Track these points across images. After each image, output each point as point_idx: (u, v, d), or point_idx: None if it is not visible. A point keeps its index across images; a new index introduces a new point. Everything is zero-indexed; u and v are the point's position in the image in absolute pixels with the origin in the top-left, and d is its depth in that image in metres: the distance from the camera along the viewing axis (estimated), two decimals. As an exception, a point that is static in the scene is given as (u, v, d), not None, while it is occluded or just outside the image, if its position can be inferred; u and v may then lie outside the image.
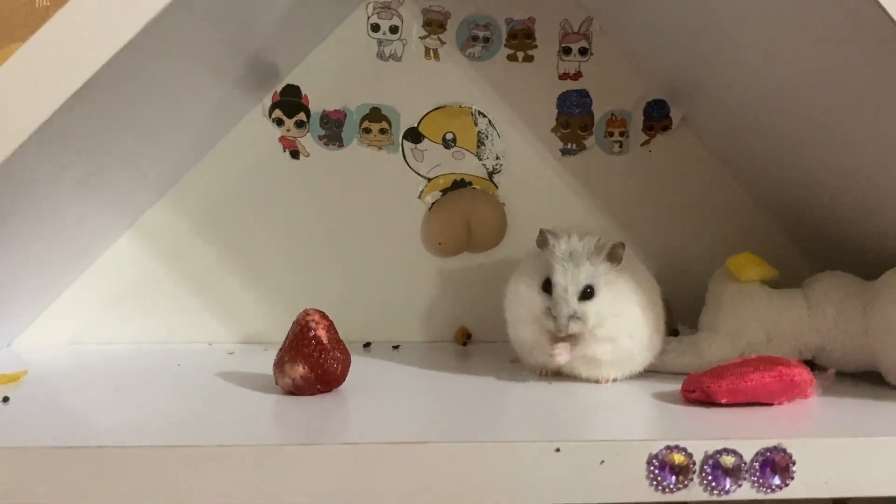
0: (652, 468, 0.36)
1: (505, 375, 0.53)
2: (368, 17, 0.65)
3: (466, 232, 0.66)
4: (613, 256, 0.50)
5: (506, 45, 0.67)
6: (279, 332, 0.49)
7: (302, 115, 0.65)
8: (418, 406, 0.46)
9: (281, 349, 0.46)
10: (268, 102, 0.65)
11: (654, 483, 0.36)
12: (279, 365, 0.46)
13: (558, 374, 0.53)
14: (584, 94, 0.68)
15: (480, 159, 0.67)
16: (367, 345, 0.65)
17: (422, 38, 0.66)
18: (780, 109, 0.54)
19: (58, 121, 0.39)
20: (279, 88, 0.65)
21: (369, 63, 0.66)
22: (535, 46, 0.67)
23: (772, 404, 0.45)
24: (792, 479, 0.37)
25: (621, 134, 0.68)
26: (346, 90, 0.66)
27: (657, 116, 0.68)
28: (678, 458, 0.37)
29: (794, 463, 0.37)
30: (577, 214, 0.68)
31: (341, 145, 0.66)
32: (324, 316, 0.47)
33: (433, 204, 0.67)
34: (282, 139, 0.66)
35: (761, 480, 0.37)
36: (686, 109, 0.68)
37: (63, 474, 0.34)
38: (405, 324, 0.67)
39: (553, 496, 0.36)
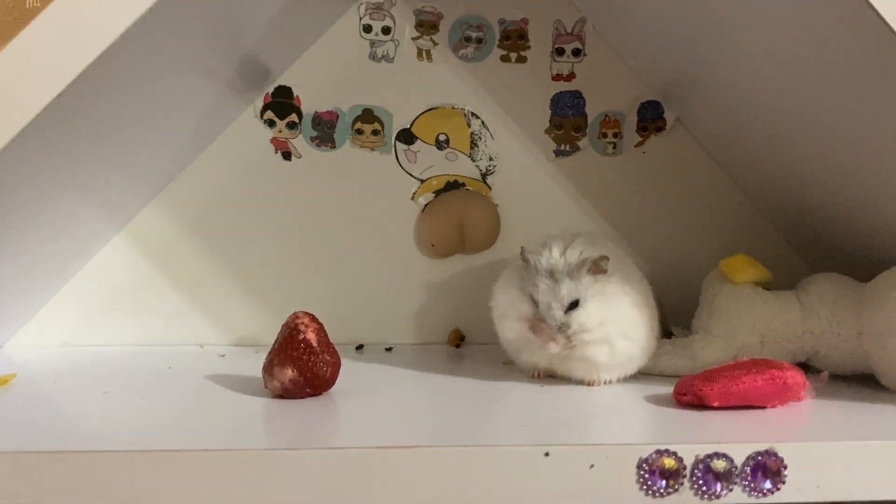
0: (642, 472, 0.36)
1: (497, 378, 0.53)
2: (361, 18, 0.65)
3: (460, 233, 0.66)
4: (597, 270, 0.50)
5: (499, 46, 0.66)
6: (271, 335, 0.49)
7: (294, 117, 0.65)
8: (409, 409, 0.45)
9: (270, 352, 0.46)
10: (259, 104, 0.65)
11: (645, 488, 0.36)
12: (268, 368, 0.45)
13: (551, 377, 0.53)
14: (577, 96, 0.67)
15: (473, 160, 0.67)
16: (359, 347, 0.65)
17: (414, 39, 0.66)
18: (775, 111, 0.54)
19: (44, 122, 0.39)
20: (271, 89, 0.65)
21: (362, 64, 0.65)
22: (528, 47, 0.67)
23: (765, 407, 0.45)
24: (783, 483, 0.37)
25: (615, 135, 0.68)
26: (338, 91, 0.65)
27: (651, 117, 0.68)
28: (669, 462, 0.36)
29: (785, 467, 0.37)
30: (571, 216, 0.67)
31: (333, 146, 0.66)
32: (313, 319, 0.47)
33: (426, 205, 0.67)
34: (273, 140, 0.65)
35: (752, 485, 0.37)
36: (680, 110, 0.67)
37: (52, 478, 0.34)
38: (398, 326, 0.67)
39: (542, 501, 0.36)
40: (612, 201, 0.68)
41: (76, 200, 0.53)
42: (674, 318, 0.62)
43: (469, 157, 0.67)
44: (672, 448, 0.36)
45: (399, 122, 0.66)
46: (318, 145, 0.66)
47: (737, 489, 0.37)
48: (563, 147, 0.68)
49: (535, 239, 0.53)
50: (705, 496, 0.36)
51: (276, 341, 0.46)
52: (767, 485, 0.37)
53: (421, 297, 0.67)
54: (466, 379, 0.53)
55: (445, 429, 0.41)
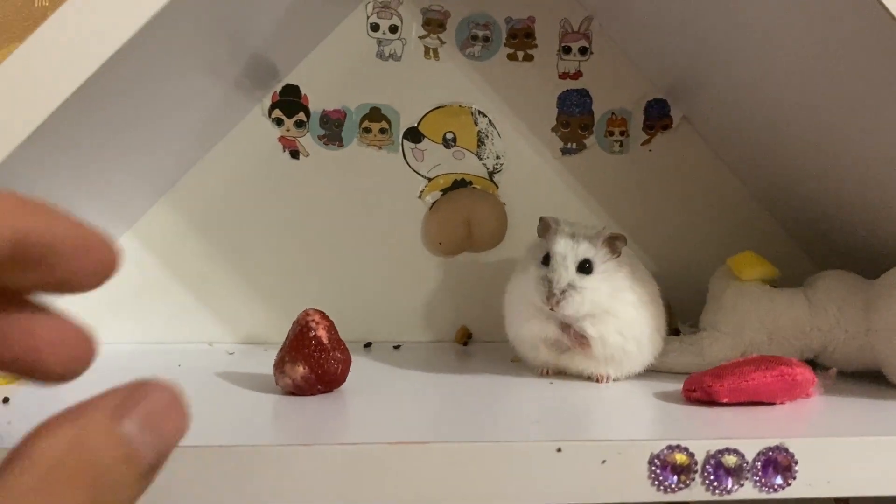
0: (654, 468, 0.36)
1: (506, 375, 0.53)
2: (368, 17, 0.65)
3: (467, 231, 0.66)
4: (612, 245, 0.50)
5: (505, 45, 0.67)
6: (279, 333, 0.49)
7: (301, 115, 0.65)
8: (419, 406, 0.45)
9: (281, 349, 0.46)
10: (267, 102, 0.65)
11: (656, 483, 0.36)
12: (279, 365, 0.46)
13: (560, 374, 0.53)
14: (584, 94, 0.68)
15: (481, 159, 0.67)
16: (367, 345, 0.65)
17: (421, 37, 0.66)
18: (781, 108, 0.54)
19: (55, 122, 0.39)
20: (279, 88, 0.65)
21: (369, 63, 0.66)
22: (535, 46, 0.67)
23: (773, 404, 0.45)
24: (794, 478, 0.37)
25: (622, 133, 0.68)
26: (345, 90, 0.66)
27: (657, 115, 0.68)
28: (680, 457, 0.36)
29: (796, 462, 0.37)
30: (578, 214, 0.67)
31: (341, 145, 0.66)
32: (324, 316, 0.47)
33: (433, 204, 0.67)
34: (281, 139, 0.65)
35: (763, 480, 0.37)
36: (686, 109, 0.67)
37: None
38: (406, 324, 0.67)
39: (554, 496, 0.36)
40: (619, 199, 0.68)
41: (83, 201, 0.54)
42: (681, 316, 0.63)
43: (476, 155, 0.67)
44: (683, 444, 0.37)
45: (406, 121, 0.66)
46: (325, 144, 0.66)
47: (748, 484, 0.37)
48: (569, 145, 0.68)
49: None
50: (716, 491, 0.37)
51: (287, 338, 0.46)
52: (778, 480, 0.37)
53: (428, 295, 0.68)
54: (475, 376, 0.53)
55: (456, 425, 0.41)
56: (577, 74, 0.67)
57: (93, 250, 0.18)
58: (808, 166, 0.57)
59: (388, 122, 0.66)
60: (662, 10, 0.56)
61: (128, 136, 0.51)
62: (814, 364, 0.52)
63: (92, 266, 0.18)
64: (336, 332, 0.47)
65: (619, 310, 0.50)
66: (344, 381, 0.47)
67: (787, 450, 0.37)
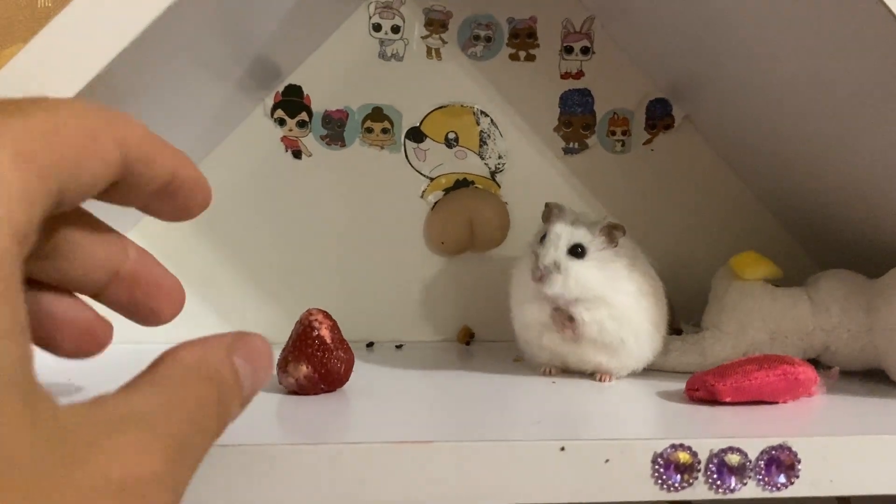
0: (657, 467, 0.36)
1: (508, 374, 0.53)
2: (370, 17, 0.65)
3: (469, 231, 0.66)
4: (610, 234, 0.50)
5: (507, 45, 0.67)
6: (282, 333, 0.49)
7: (304, 115, 0.65)
8: (422, 405, 0.46)
9: (284, 349, 0.46)
10: (269, 102, 0.65)
11: (660, 482, 0.36)
12: (282, 365, 0.46)
13: (562, 373, 0.53)
14: (586, 94, 0.68)
15: (483, 159, 0.67)
16: (369, 345, 0.65)
17: (423, 37, 0.66)
18: (784, 108, 0.54)
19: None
20: (281, 88, 0.65)
21: (371, 63, 0.66)
22: (537, 46, 0.67)
23: (776, 403, 0.45)
24: (797, 477, 0.37)
25: (624, 133, 0.68)
26: (347, 90, 0.66)
27: (660, 115, 0.68)
28: (683, 456, 0.36)
29: (799, 461, 0.37)
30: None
31: (343, 145, 0.66)
32: (327, 315, 0.47)
33: (435, 203, 0.67)
34: (284, 139, 0.66)
35: (767, 479, 0.37)
36: (689, 108, 0.68)
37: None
38: (408, 323, 0.67)
39: (558, 495, 0.36)
40: (621, 199, 0.69)
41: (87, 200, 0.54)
42: (683, 315, 0.63)
43: (478, 155, 0.67)
44: (686, 443, 0.37)
45: (408, 121, 0.66)
46: (328, 144, 0.66)
47: (751, 483, 0.37)
48: (571, 145, 0.68)
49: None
50: (720, 490, 0.37)
51: (289, 338, 0.47)
52: (782, 479, 0.37)
53: (430, 295, 0.68)
54: (478, 376, 0.53)
55: (459, 424, 0.41)
56: (579, 74, 0.67)
57: (198, 189, 0.21)
58: (810, 165, 0.57)
59: (391, 122, 0.66)
60: (664, 10, 0.56)
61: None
62: (816, 363, 0.52)
63: (188, 208, 0.22)
64: (339, 331, 0.47)
65: (613, 298, 0.49)
66: (347, 380, 0.47)
67: (790, 448, 0.37)
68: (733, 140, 0.66)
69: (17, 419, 0.14)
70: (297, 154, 0.66)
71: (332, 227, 0.66)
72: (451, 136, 0.67)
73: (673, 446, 0.36)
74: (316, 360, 0.45)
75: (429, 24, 0.66)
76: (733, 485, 0.37)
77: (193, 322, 0.65)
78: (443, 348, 0.65)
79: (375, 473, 0.35)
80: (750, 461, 0.37)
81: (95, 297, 0.22)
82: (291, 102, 0.65)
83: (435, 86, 0.66)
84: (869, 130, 0.48)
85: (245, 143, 0.65)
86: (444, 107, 0.67)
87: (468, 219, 0.66)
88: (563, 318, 0.50)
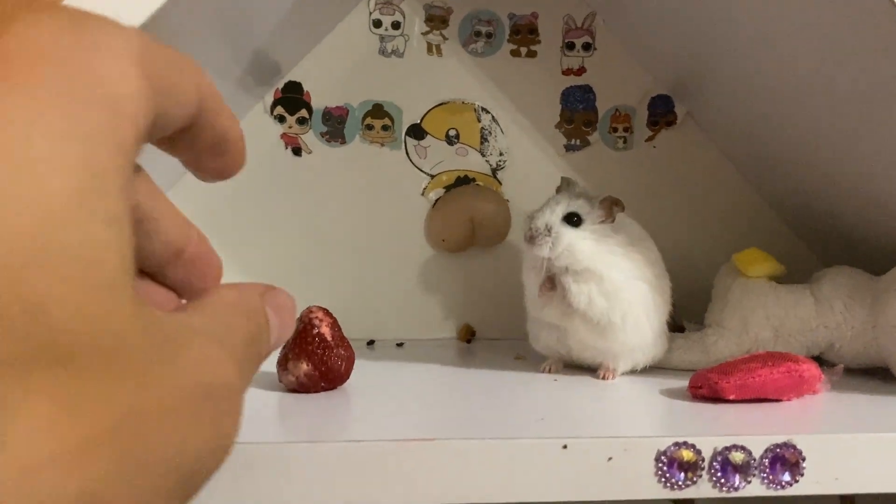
0: (660, 465, 0.36)
1: (510, 372, 0.53)
2: (370, 13, 0.65)
3: (470, 229, 0.65)
4: (608, 208, 0.50)
5: (509, 41, 0.66)
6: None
7: (304, 112, 0.65)
8: (423, 403, 0.45)
9: (284, 347, 0.46)
10: (269, 99, 0.65)
11: (663, 480, 0.36)
12: (282, 363, 0.45)
13: (565, 370, 0.53)
14: (587, 90, 0.67)
15: (484, 156, 0.67)
16: (370, 343, 0.65)
17: (424, 33, 0.66)
18: (786, 104, 0.53)
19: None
20: (281, 85, 0.65)
21: (371, 59, 0.65)
22: (539, 42, 0.67)
23: (780, 400, 0.44)
24: (802, 475, 0.37)
25: (625, 129, 0.68)
26: (348, 87, 0.65)
27: (661, 112, 0.68)
28: (687, 454, 0.36)
29: (803, 459, 0.37)
30: (582, 211, 0.67)
31: (344, 142, 0.66)
32: (327, 313, 0.47)
33: (437, 201, 0.66)
34: (284, 136, 0.65)
35: (771, 477, 0.37)
36: (690, 105, 0.67)
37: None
38: (408, 321, 0.67)
39: (561, 493, 0.36)
40: (623, 196, 0.67)
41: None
42: (686, 313, 0.62)
43: (479, 152, 0.67)
44: (690, 440, 0.36)
45: (409, 118, 0.66)
46: (328, 141, 0.66)
47: (755, 481, 0.37)
48: (573, 142, 0.68)
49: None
50: (724, 488, 0.36)
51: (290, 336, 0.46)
52: (786, 477, 0.37)
53: (431, 293, 0.67)
54: (479, 374, 0.53)
55: (462, 422, 0.41)
56: (581, 71, 0.67)
57: (240, 151, 0.22)
58: (813, 162, 0.57)
59: (391, 118, 0.66)
60: (666, 6, 0.55)
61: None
62: (820, 360, 0.52)
63: (230, 168, 0.22)
64: (339, 329, 0.47)
65: (604, 272, 0.49)
66: (347, 378, 0.47)
67: (794, 446, 0.37)
68: (736, 137, 0.65)
69: (131, 308, 0.15)
70: (297, 151, 0.65)
71: (332, 225, 0.66)
72: (452, 132, 0.67)
73: (676, 444, 0.36)
74: (316, 358, 0.45)
75: (429, 20, 0.66)
76: (737, 483, 0.36)
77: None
78: (444, 346, 0.64)
79: (376, 471, 0.35)
80: (754, 459, 0.36)
81: (152, 274, 0.22)
82: (291, 99, 0.65)
83: (436, 82, 0.66)
84: (872, 127, 0.47)
85: (245, 140, 0.65)
86: (445, 103, 0.66)
87: (469, 216, 0.65)
88: (549, 282, 0.50)
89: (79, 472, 0.13)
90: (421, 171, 0.67)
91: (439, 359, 0.58)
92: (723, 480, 0.36)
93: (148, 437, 0.14)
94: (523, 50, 0.67)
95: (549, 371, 0.52)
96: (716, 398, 0.44)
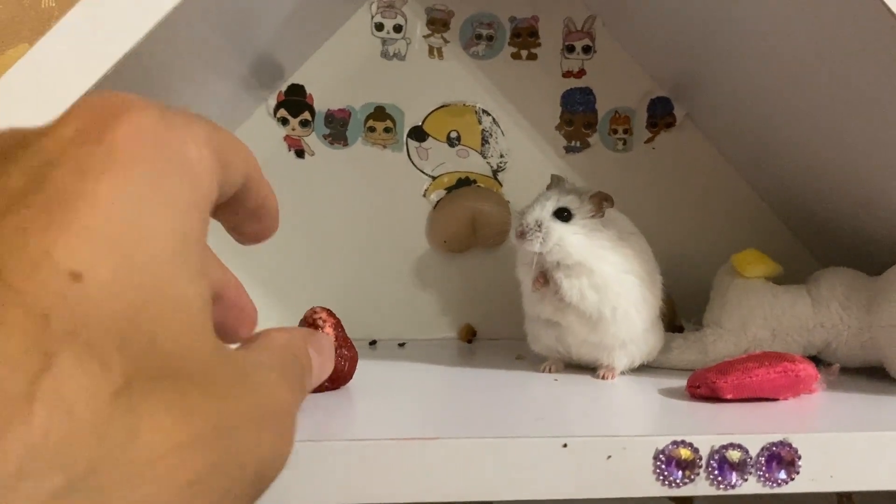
0: (658, 463, 0.37)
1: (511, 372, 0.53)
2: (372, 17, 0.66)
3: (471, 230, 0.66)
4: (595, 206, 0.50)
5: (509, 44, 0.67)
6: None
7: (307, 115, 0.66)
8: (425, 403, 0.46)
9: (288, 347, 0.46)
10: (273, 102, 0.65)
11: (661, 478, 0.37)
12: (287, 363, 0.46)
13: (565, 370, 0.53)
14: (587, 92, 0.68)
15: (485, 157, 0.68)
16: (372, 343, 0.66)
17: (425, 36, 0.66)
18: (784, 106, 0.54)
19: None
20: (284, 88, 0.65)
21: (373, 62, 0.66)
22: (539, 44, 0.67)
23: (777, 399, 0.45)
24: (798, 473, 0.37)
25: (625, 131, 0.68)
26: (350, 89, 0.66)
27: (661, 114, 0.68)
28: (684, 452, 0.37)
29: (799, 457, 0.37)
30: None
31: (346, 144, 0.66)
32: (331, 314, 0.47)
33: (438, 202, 0.67)
34: (287, 138, 0.66)
35: (767, 475, 0.37)
36: (690, 107, 0.68)
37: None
38: (410, 322, 0.68)
39: (560, 491, 0.36)
40: (622, 197, 0.68)
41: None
42: (685, 313, 0.63)
43: (480, 154, 0.68)
44: (688, 439, 0.37)
45: (411, 120, 0.67)
46: (330, 143, 0.66)
47: (752, 479, 0.37)
48: (573, 143, 0.68)
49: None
50: (721, 486, 0.37)
51: (293, 336, 0.47)
52: (782, 475, 0.37)
53: (433, 294, 0.68)
54: (480, 373, 0.53)
55: (463, 421, 0.41)
56: (581, 73, 0.68)
57: (275, 217, 0.26)
58: (811, 164, 0.58)
59: (393, 121, 0.67)
60: (665, 9, 0.56)
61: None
62: (817, 360, 0.53)
63: (266, 232, 0.26)
64: (343, 329, 0.47)
65: (594, 266, 0.49)
66: (351, 378, 0.47)
67: (790, 445, 0.37)
68: (734, 138, 0.66)
69: (212, 342, 0.19)
70: (299, 153, 0.66)
71: (335, 226, 0.66)
72: (454, 134, 0.67)
73: (674, 442, 0.37)
74: (320, 358, 0.45)
75: (431, 23, 0.66)
76: (734, 481, 0.37)
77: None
78: (445, 346, 0.65)
79: (379, 470, 0.36)
80: (751, 457, 0.37)
81: None
82: (294, 102, 0.66)
83: (437, 85, 0.67)
84: (869, 128, 0.48)
85: (248, 142, 0.64)
86: (447, 106, 0.67)
87: (470, 217, 0.66)
88: (541, 277, 0.51)
89: (187, 463, 0.16)
90: (422, 172, 0.67)
91: (441, 359, 0.59)
92: (720, 478, 0.37)
93: (231, 442, 0.18)
94: (524, 52, 0.67)
95: (549, 371, 0.53)
96: (713, 397, 0.44)
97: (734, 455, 0.37)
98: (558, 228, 0.49)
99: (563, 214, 0.50)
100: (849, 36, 0.42)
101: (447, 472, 0.36)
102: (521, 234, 0.50)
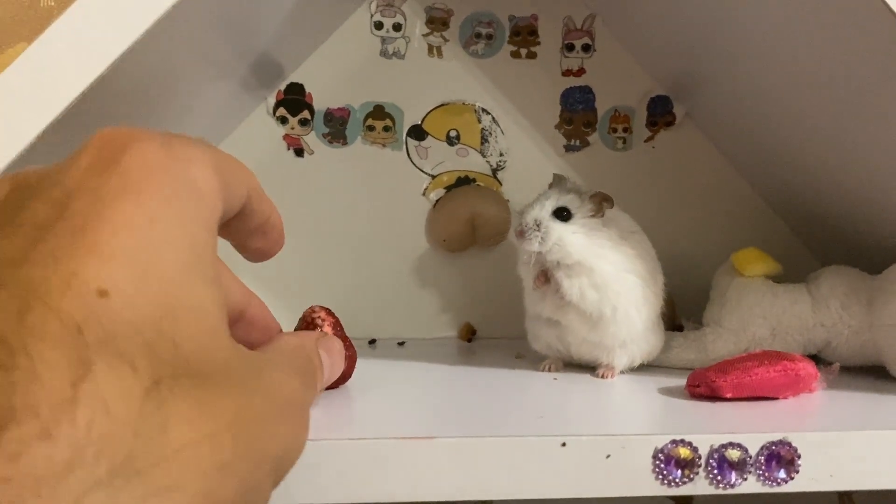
0: (658, 462, 0.36)
1: (510, 371, 0.53)
2: (372, 15, 0.66)
3: (470, 229, 0.66)
4: (595, 206, 0.50)
5: (509, 42, 0.67)
6: (284, 330, 0.49)
7: (306, 113, 0.66)
8: (426, 402, 0.46)
9: (287, 346, 0.46)
10: (272, 101, 0.65)
11: (660, 477, 0.37)
12: (286, 362, 0.46)
13: (564, 368, 0.53)
14: (587, 91, 0.68)
15: (484, 156, 0.68)
16: (372, 342, 0.66)
17: (425, 35, 0.66)
18: (785, 105, 0.54)
19: (62, 124, 0.39)
20: (283, 87, 0.65)
21: (373, 61, 0.66)
22: (538, 43, 0.67)
23: (777, 398, 0.45)
24: (797, 472, 0.37)
25: (625, 130, 0.68)
26: (349, 88, 0.66)
27: (660, 112, 0.68)
28: (684, 452, 0.37)
29: (799, 457, 0.37)
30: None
31: (345, 143, 0.66)
32: (330, 312, 0.47)
33: (437, 201, 0.67)
34: (286, 137, 0.66)
35: (767, 474, 0.37)
36: (689, 105, 0.68)
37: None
38: (410, 321, 0.68)
39: (559, 490, 0.36)
40: (622, 196, 0.68)
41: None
42: (684, 312, 0.63)
43: (480, 152, 0.67)
44: (687, 438, 0.37)
45: (410, 119, 0.67)
46: (330, 142, 0.66)
47: (751, 478, 0.37)
48: (573, 142, 0.68)
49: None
50: (720, 485, 0.37)
51: (292, 335, 0.47)
52: (782, 474, 0.37)
53: (432, 293, 0.68)
54: (479, 373, 0.53)
55: (462, 420, 0.41)
56: (581, 71, 0.68)
57: (280, 233, 0.28)
58: (811, 162, 0.58)
59: (392, 119, 0.67)
60: (665, 7, 0.56)
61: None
62: (817, 359, 0.53)
63: (273, 248, 0.29)
64: (342, 328, 0.47)
65: (594, 265, 0.49)
66: (350, 376, 0.47)
67: (790, 444, 0.37)
68: (734, 137, 0.66)
69: (228, 343, 0.21)
70: (299, 152, 0.66)
71: (334, 225, 0.66)
72: (453, 133, 0.67)
73: (674, 442, 0.37)
74: (319, 357, 0.45)
75: (430, 21, 0.66)
76: (734, 480, 0.37)
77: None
78: (445, 345, 0.65)
79: (378, 468, 0.36)
80: (750, 456, 0.37)
81: None
82: (293, 101, 0.66)
83: (436, 83, 0.67)
84: (869, 127, 0.48)
85: (247, 141, 0.65)
86: (446, 104, 0.67)
87: (470, 216, 0.66)
88: (542, 276, 0.51)
89: (214, 450, 0.18)
90: (422, 171, 0.67)
91: (440, 358, 0.59)
92: (719, 478, 0.37)
93: (251, 431, 0.20)
94: (523, 51, 0.67)
95: (549, 370, 0.53)
96: (713, 396, 0.44)
97: (734, 454, 0.37)
98: (557, 228, 0.49)
99: (562, 214, 0.50)
100: (849, 33, 0.42)
101: (446, 470, 0.36)
102: (521, 234, 0.50)
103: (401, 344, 0.65)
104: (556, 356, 0.53)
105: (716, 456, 0.37)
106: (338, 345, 0.29)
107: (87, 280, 0.18)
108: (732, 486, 0.37)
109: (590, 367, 0.53)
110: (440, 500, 0.36)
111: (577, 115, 0.68)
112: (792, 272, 0.58)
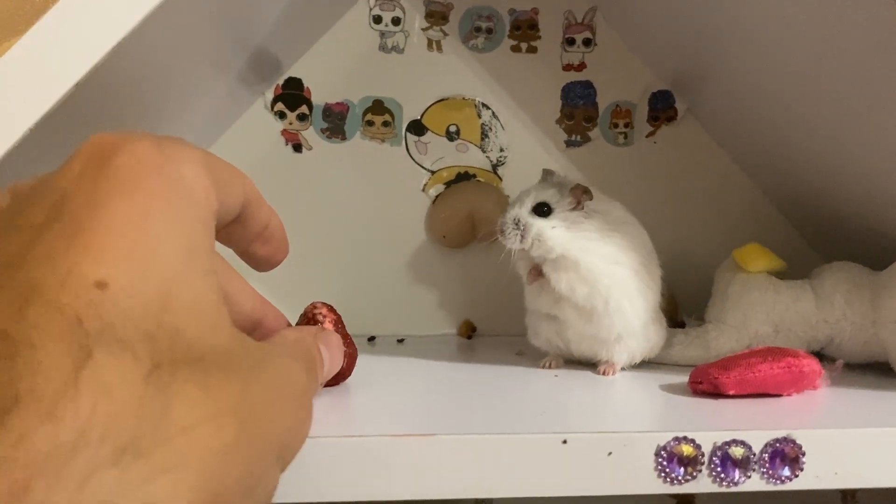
0: (660, 460, 0.36)
1: (510, 368, 0.53)
2: (370, 9, 0.65)
3: (470, 225, 0.66)
4: (576, 199, 0.50)
5: (509, 37, 0.66)
6: (283, 326, 0.49)
7: (304, 108, 0.65)
8: (424, 399, 0.45)
9: (286, 343, 0.46)
10: (270, 95, 0.65)
11: (663, 475, 0.36)
12: (284, 359, 0.45)
13: (565, 365, 0.53)
14: (588, 86, 0.67)
15: (484, 152, 0.67)
16: (371, 339, 0.65)
17: (424, 29, 0.66)
18: (787, 100, 0.53)
19: (55, 118, 0.39)
20: (281, 81, 0.65)
21: (372, 55, 0.65)
22: (539, 37, 0.67)
23: (780, 395, 0.45)
24: (801, 470, 0.37)
25: (626, 125, 0.68)
26: (348, 83, 0.65)
27: (662, 107, 0.68)
28: (687, 449, 0.36)
29: (803, 454, 0.37)
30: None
31: (344, 138, 0.66)
32: (331, 309, 0.47)
33: (437, 197, 0.67)
34: (284, 132, 0.65)
35: (771, 472, 0.37)
36: (691, 100, 0.67)
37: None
38: (409, 317, 0.67)
39: (560, 488, 0.36)
40: (623, 191, 0.68)
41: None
42: (686, 309, 0.62)
43: (480, 148, 0.67)
44: (690, 435, 0.36)
45: (409, 114, 0.66)
46: (328, 137, 0.66)
47: (755, 476, 0.37)
48: (574, 137, 0.68)
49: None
50: (724, 483, 0.36)
51: (291, 332, 0.46)
52: (786, 472, 0.37)
53: (432, 289, 0.67)
54: (479, 369, 0.53)
55: (462, 418, 0.41)
56: (581, 66, 0.67)
57: (283, 239, 0.30)
58: (813, 158, 0.57)
59: (391, 114, 0.66)
60: (666, 1, 0.55)
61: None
62: (820, 356, 0.52)
63: (277, 255, 0.31)
64: (343, 325, 0.47)
65: (580, 258, 0.49)
66: (350, 373, 0.47)
67: (794, 441, 0.37)
68: (736, 132, 0.65)
69: (230, 330, 0.22)
70: (297, 147, 0.66)
71: (333, 221, 0.66)
72: (453, 129, 0.67)
73: (676, 439, 0.36)
74: (317, 354, 0.45)
75: (429, 15, 0.66)
76: (737, 478, 0.36)
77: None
78: (444, 342, 0.64)
79: (378, 466, 0.35)
80: (754, 454, 0.37)
81: None
82: (292, 95, 0.65)
83: (436, 78, 0.66)
84: (872, 123, 0.47)
85: (245, 136, 0.65)
86: (446, 99, 0.66)
87: (470, 212, 0.65)
88: (535, 270, 0.51)
89: (218, 432, 0.19)
90: (421, 167, 0.67)
91: (440, 355, 0.59)
92: (722, 475, 0.36)
93: (255, 416, 0.20)
94: (524, 45, 0.67)
95: (550, 367, 0.53)
96: (716, 393, 0.44)
97: (737, 452, 0.36)
98: (536, 223, 0.49)
99: (542, 209, 0.49)
100: (853, 30, 0.41)
101: (446, 468, 0.35)
102: (501, 233, 0.50)
103: (400, 341, 0.65)
104: (557, 353, 0.53)
105: (719, 453, 0.36)
106: (336, 339, 0.29)
107: (85, 274, 0.18)
108: (736, 483, 0.37)
109: (591, 364, 0.52)
110: (440, 497, 0.35)
111: (578, 110, 0.67)
112: (794, 268, 0.57)
